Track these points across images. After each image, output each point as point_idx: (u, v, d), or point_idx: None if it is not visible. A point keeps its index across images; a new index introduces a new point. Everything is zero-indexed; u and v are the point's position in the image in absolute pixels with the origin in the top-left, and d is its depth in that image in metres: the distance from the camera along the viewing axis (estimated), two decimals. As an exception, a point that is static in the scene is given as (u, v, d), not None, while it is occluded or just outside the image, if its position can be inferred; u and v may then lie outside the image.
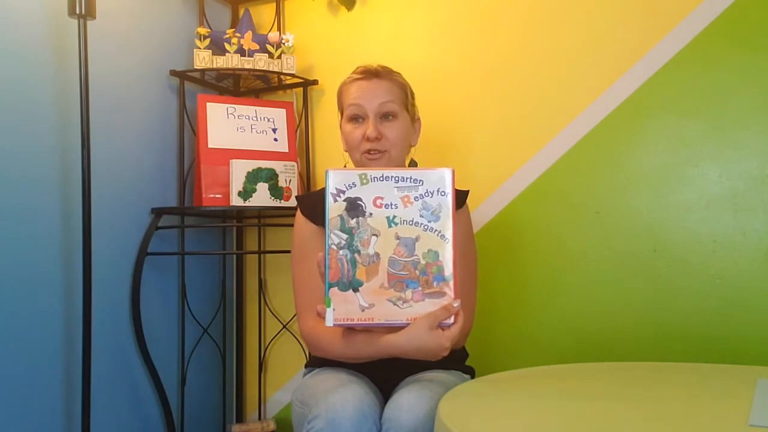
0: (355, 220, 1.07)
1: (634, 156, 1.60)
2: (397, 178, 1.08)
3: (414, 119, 1.44)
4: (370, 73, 1.38)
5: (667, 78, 1.57)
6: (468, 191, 1.44)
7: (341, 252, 1.07)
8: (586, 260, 1.63)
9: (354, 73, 1.40)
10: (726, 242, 1.51)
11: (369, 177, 1.08)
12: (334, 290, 1.07)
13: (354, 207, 1.07)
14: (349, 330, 1.16)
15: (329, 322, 1.07)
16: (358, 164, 1.38)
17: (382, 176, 1.08)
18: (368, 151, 1.35)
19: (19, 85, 1.45)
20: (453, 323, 1.08)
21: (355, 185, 1.07)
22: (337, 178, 1.07)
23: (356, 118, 1.37)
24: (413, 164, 1.48)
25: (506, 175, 1.72)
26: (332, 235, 1.07)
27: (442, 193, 1.08)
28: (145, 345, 1.72)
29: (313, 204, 1.37)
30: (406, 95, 1.40)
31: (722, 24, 1.52)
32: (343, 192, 1.07)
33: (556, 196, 1.67)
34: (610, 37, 1.63)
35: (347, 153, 1.42)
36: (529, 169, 1.70)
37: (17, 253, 1.44)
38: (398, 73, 1.42)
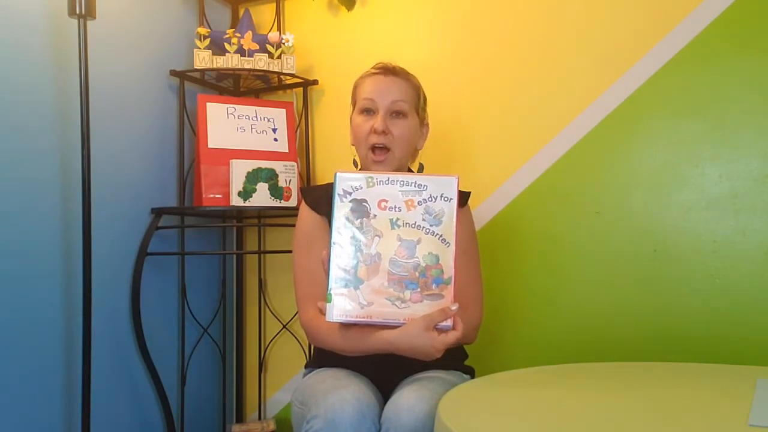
0: (359, 220, 1.11)
1: (634, 156, 1.60)
2: (402, 182, 1.12)
3: (422, 123, 1.46)
4: (388, 70, 1.41)
5: (667, 78, 1.57)
6: (470, 192, 1.46)
7: (344, 251, 1.11)
8: (586, 260, 1.63)
9: (372, 68, 1.43)
10: (726, 242, 1.50)
11: (375, 180, 1.12)
12: (336, 287, 1.11)
13: (359, 208, 1.11)
14: (347, 323, 1.18)
15: (329, 317, 1.11)
16: (364, 161, 1.40)
17: (388, 180, 1.12)
18: (373, 148, 1.36)
19: (19, 85, 1.45)
20: (452, 329, 1.11)
21: (362, 188, 1.12)
22: (344, 180, 1.12)
23: (367, 111, 1.39)
24: (421, 168, 1.50)
25: (506, 175, 1.72)
26: (337, 234, 1.11)
27: (446, 199, 1.11)
28: (145, 345, 1.72)
29: (317, 196, 1.40)
30: (418, 98, 1.43)
31: (722, 24, 1.52)
32: (350, 194, 1.12)
33: (556, 196, 1.67)
34: (610, 37, 1.63)
35: (354, 146, 1.43)
36: (529, 169, 1.70)
37: (17, 253, 1.44)
38: (415, 76, 1.44)
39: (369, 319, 1.10)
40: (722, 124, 1.52)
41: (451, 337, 1.10)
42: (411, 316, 1.10)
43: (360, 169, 1.46)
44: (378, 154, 1.36)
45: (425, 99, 1.47)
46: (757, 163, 1.49)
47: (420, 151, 1.50)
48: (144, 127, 1.78)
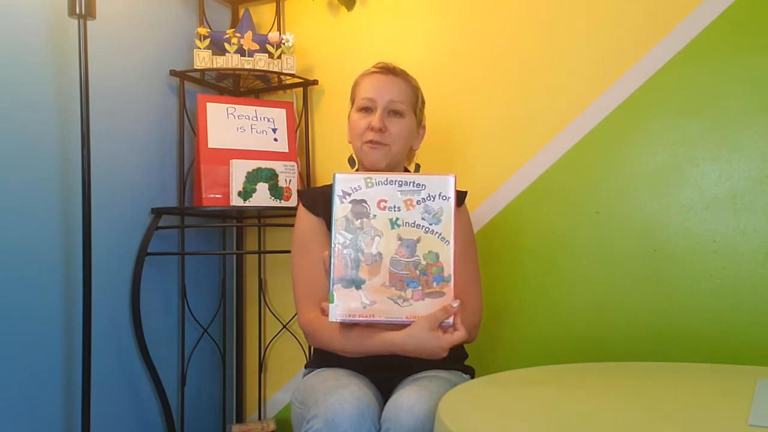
0: (359, 221, 1.12)
1: (634, 156, 1.60)
2: (400, 182, 1.13)
3: (419, 124, 1.47)
4: (388, 70, 1.42)
5: (667, 78, 1.57)
6: (466, 192, 1.46)
7: (345, 251, 1.12)
8: (585, 260, 1.63)
9: (373, 67, 1.44)
10: (726, 242, 1.51)
11: (374, 180, 1.13)
12: (338, 287, 1.12)
13: (359, 208, 1.13)
14: (348, 324, 1.18)
15: (332, 317, 1.12)
16: (359, 153, 1.41)
17: (387, 180, 1.13)
18: (370, 141, 1.37)
19: (19, 85, 1.45)
20: (455, 329, 1.12)
21: (361, 188, 1.13)
22: (343, 181, 1.13)
23: (365, 109, 1.40)
24: (417, 169, 1.51)
25: (506, 175, 1.72)
26: (338, 235, 1.12)
27: (444, 198, 1.12)
28: (145, 345, 1.72)
29: (314, 198, 1.41)
30: (416, 99, 1.44)
31: (722, 24, 1.52)
32: (349, 194, 1.13)
33: (556, 195, 1.67)
34: (610, 37, 1.63)
35: (350, 144, 1.44)
36: (529, 169, 1.70)
37: (17, 254, 1.44)
38: (414, 78, 1.46)
39: (372, 318, 1.12)
40: (722, 124, 1.52)
41: (457, 337, 1.12)
42: (413, 314, 1.11)
43: (356, 166, 1.47)
44: (374, 145, 1.37)
45: (423, 101, 1.48)
46: (757, 163, 1.49)
47: (416, 152, 1.51)
48: (144, 127, 1.78)
